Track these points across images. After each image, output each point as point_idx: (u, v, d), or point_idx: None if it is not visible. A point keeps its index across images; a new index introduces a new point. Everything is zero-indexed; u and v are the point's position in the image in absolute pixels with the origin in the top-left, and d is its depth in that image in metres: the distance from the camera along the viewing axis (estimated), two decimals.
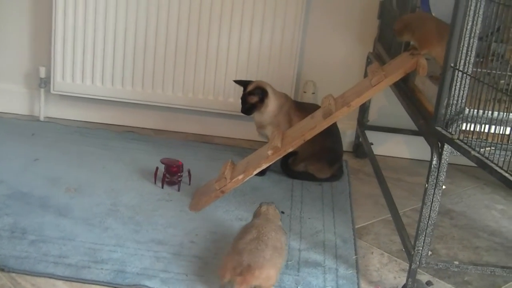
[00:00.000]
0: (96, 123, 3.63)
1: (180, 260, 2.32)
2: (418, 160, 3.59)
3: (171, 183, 2.90)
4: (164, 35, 3.42)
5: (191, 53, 3.44)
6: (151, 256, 2.33)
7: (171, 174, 2.89)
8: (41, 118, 3.62)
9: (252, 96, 3.09)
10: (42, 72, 3.54)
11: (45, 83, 3.55)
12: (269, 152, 2.71)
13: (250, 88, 3.10)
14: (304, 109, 3.12)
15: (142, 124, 3.65)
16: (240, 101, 3.13)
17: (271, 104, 3.10)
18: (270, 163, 2.76)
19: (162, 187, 2.88)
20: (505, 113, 1.99)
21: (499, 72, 2.02)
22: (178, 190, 2.87)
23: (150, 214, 2.64)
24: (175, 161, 2.93)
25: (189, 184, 2.92)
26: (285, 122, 3.09)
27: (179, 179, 2.89)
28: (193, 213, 2.69)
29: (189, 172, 2.94)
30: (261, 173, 2.98)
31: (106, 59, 3.46)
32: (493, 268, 2.24)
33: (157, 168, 2.91)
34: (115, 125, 3.63)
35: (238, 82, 3.20)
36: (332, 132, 3.10)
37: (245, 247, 2.11)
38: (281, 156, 2.77)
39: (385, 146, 3.61)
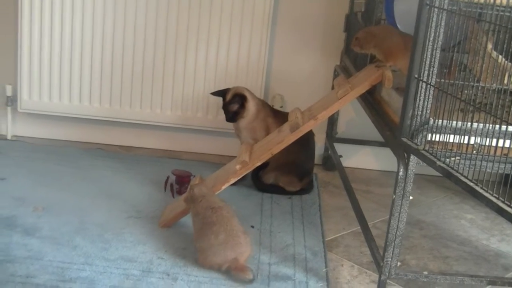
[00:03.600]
0: (64, 140, 3.60)
1: (149, 277, 2.30)
2: (387, 171, 3.61)
3: (181, 193, 2.97)
4: (131, 51, 3.41)
5: (158, 69, 3.43)
6: (120, 274, 2.31)
7: (181, 185, 2.97)
8: (8, 137, 3.58)
9: (233, 105, 3.09)
10: (9, 91, 3.51)
11: (11, 101, 3.53)
12: (237, 167, 2.71)
13: (228, 97, 3.10)
14: (282, 117, 3.08)
15: (110, 141, 3.63)
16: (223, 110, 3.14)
17: (252, 108, 3.10)
18: (238, 178, 2.76)
19: (173, 197, 2.97)
20: (469, 123, 2.00)
21: (462, 83, 2.04)
22: None
23: (119, 231, 2.62)
24: (185, 172, 3.03)
25: None
26: (262, 129, 3.09)
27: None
28: (162, 229, 2.68)
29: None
30: (235, 183, 2.96)
31: (73, 77, 3.44)
32: (462, 277, 2.25)
33: (167, 178, 3.03)
34: (83, 142, 3.61)
35: (215, 93, 3.17)
36: (307, 146, 3.11)
37: (225, 246, 2.35)
38: (249, 171, 2.77)
39: (354, 158, 3.63)
